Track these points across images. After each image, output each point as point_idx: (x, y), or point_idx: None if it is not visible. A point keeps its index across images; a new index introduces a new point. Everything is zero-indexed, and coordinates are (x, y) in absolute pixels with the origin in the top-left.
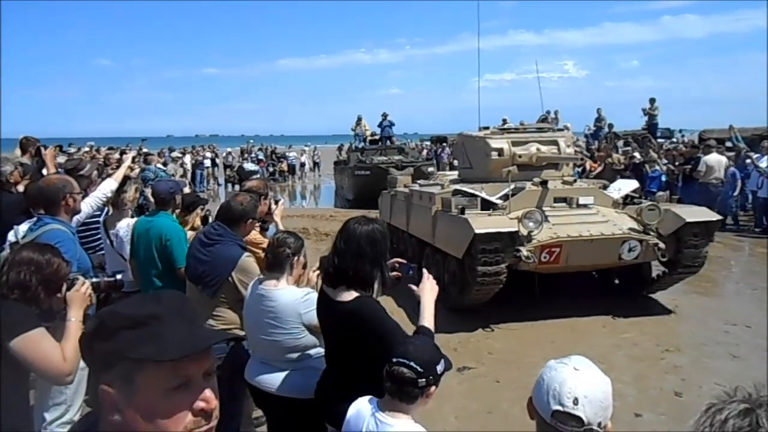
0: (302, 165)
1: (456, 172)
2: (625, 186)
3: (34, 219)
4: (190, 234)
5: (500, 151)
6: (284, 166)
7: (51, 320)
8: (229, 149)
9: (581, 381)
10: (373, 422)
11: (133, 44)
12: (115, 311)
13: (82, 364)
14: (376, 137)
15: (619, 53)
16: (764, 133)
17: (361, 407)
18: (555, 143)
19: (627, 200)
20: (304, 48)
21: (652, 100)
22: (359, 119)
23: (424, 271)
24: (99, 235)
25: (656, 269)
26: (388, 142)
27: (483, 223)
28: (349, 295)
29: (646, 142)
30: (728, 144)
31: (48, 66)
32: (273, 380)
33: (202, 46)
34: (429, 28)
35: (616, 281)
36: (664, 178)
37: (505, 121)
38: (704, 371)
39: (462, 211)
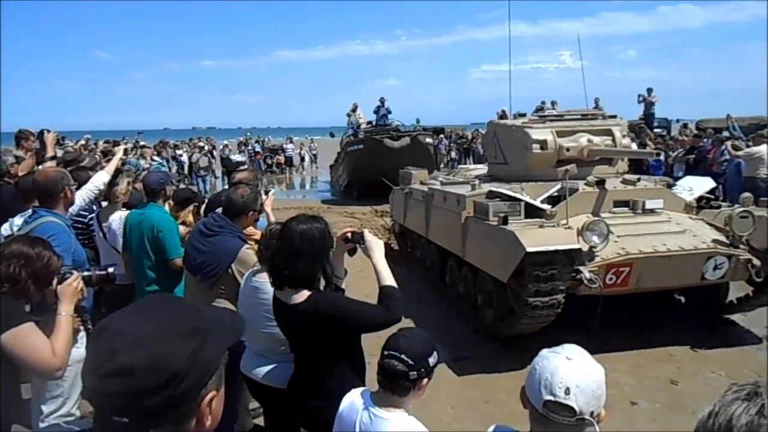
0: (302, 159)
1: (480, 166)
2: (698, 185)
3: (29, 212)
4: (182, 229)
5: (543, 144)
6: (281, 158)
7: (43, 314)
8: (225, 142)
9: (573, 370)
10: (366, 416)
11: (131, 37)
12: (204, 317)
13: (78, 357)
14: (372, 126)
15: (616, 44)
16: (761, 123)
17: (354, 400)
18: (609, 133)
19: (701, 203)
20: (301, 40)
21: (650, 90)
22: (355, 106)
23: (364, 231)
24: (91, 228)
25: (734, 288)
26: None
27: (535, 239)
28: (301, 296)
29: (642, 132)
30: (725, 134)
31: (45, 59)
32: (269, 372)
33: (200, 38)
34: (425, 19)
35: (681, 298)
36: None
37: (504, 112)
38: (699, 360)
39: (504, 221)
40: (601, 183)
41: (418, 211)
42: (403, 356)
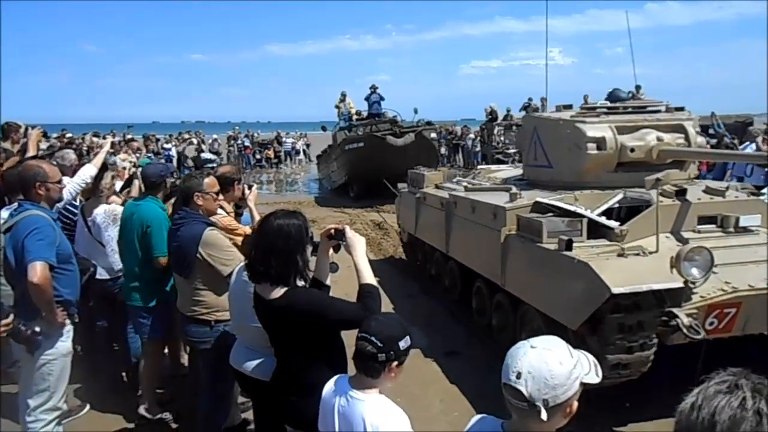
0: (297, 152)
1: (504, 167)
2: None
3: (15, 205)
4: None
5: (600, 142)
6: (270, 152)
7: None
8: (215, 136)
9: (530, 357)
10: (344, 399)
11: (119, 30)
12: None
13: (64, 351)
14: (363, 115)
15: (603, 41)
16: (746, 120)
17: (334, 385)
18: (680, 129)
19: None
20: (291, 33)
21: (638, 87)
22: (344, 96)
23: (346, 227)
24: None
25: None
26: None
27: (620, 274)
28: (278, 292)
29: None
30: (710, 131)
31: (32, 52)
32: (259, 366)
33: (189, 31)
34: (415, 14)
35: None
36: None
37: (493, 108)
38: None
39: (568, 246)
40: (681, 193)
41: (435, 220)
42: (373, 338)
